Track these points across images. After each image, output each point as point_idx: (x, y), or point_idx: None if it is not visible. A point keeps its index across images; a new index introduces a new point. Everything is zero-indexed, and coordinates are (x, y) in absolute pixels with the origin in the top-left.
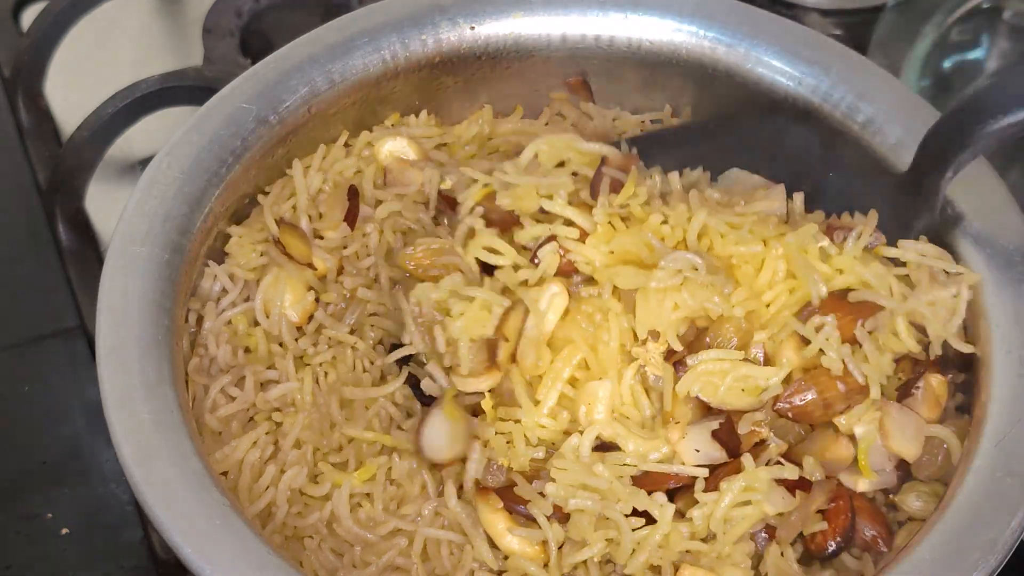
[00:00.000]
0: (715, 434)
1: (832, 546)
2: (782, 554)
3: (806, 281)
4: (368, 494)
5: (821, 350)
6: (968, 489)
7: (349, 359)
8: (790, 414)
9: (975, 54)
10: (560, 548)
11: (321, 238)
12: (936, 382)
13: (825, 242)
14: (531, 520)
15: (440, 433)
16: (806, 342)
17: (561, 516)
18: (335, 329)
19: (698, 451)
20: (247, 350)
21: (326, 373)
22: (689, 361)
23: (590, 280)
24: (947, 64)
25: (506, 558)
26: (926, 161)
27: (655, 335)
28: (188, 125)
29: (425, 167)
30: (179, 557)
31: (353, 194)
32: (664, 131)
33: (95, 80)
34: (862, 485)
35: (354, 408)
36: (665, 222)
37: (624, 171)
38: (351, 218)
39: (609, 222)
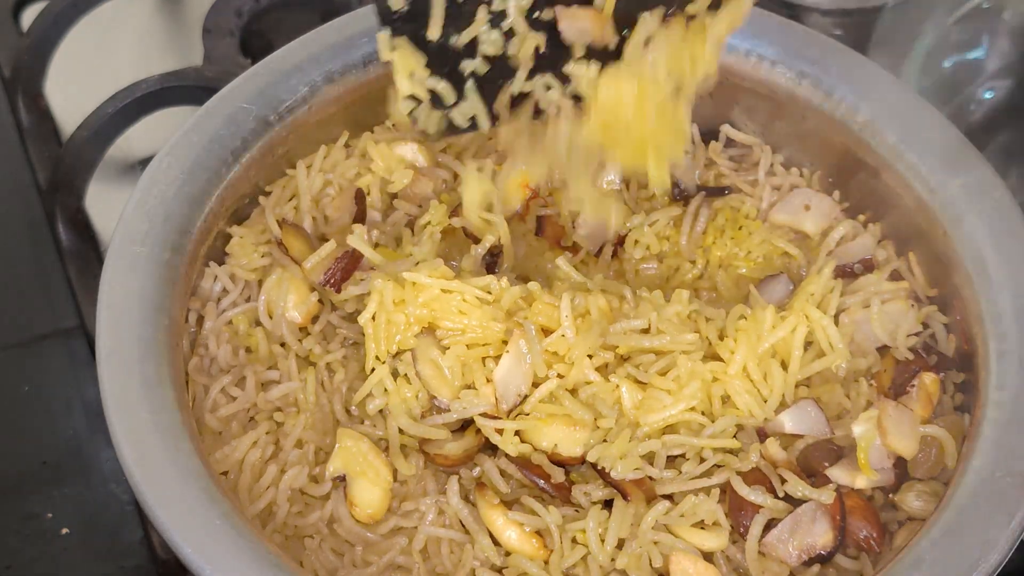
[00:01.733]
0: None
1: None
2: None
3: None
4: None
5: None
6: (968, 489)
7: (361, 359)
8: None
9: (975, 54)
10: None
11: (325, 239)
12: (929, 380)
13: None
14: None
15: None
16: None
17: (562, 497)
18: (349, 330)
19: None
20: (248, 350)
21: (333, 372)
22: None
23: None
24: (947, 64)
25: (508, 555)
26: None
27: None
28: (188, 125)
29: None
30: (179, 557)
31: (360, 197)
32: None
33: (95, 80)
34: (860, 482)
35: (364, 405)
36: None
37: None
38: (359, 222)
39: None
